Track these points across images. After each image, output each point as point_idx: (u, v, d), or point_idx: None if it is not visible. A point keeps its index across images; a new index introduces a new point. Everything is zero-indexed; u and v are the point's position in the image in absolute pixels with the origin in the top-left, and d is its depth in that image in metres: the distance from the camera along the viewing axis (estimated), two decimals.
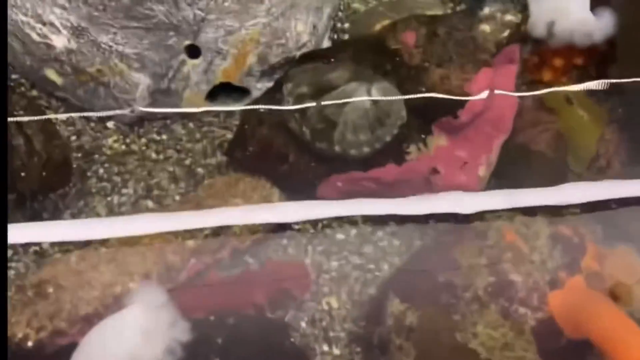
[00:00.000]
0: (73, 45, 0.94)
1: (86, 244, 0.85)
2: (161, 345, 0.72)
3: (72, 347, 0.76)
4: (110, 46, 0.94)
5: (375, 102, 0.85)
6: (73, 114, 0.96)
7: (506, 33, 0.93)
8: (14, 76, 0.98)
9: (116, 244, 0.84)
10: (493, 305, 0.78)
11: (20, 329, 0.77)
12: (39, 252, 0.89)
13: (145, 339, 0.72)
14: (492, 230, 0.83)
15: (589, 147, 0.89)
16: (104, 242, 0.84)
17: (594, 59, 0.96)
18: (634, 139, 0.91)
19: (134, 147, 0.97)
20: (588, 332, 0.75)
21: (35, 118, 0.90)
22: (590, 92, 0.95)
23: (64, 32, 0.94)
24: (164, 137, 0.98)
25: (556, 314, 0.77)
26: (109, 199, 0.93)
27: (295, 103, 0.89)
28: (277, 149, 0.91)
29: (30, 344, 0.75)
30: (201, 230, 0.86)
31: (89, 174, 0.94)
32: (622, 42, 0.94)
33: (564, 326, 0.77)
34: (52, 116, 0.94)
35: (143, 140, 0.97)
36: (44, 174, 0.86)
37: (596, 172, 0.88)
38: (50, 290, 0.80)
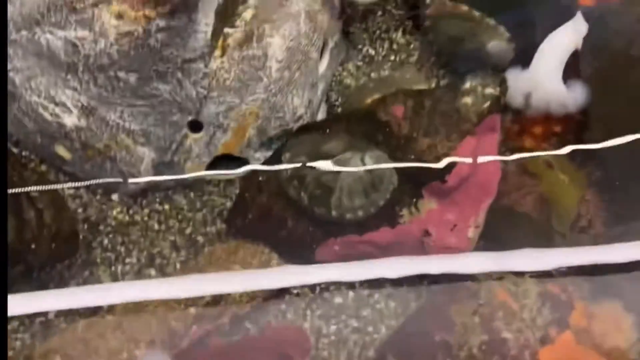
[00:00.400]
0: (83, 123, 1.05)
1: (93, 313, 0.93)
2: None
3: None
4: (118, 123, 1.05)
5: (369, 169, 0.96)
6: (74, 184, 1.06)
7: (487, 104, 1.05)
8: (24, 153, 1.08)
9: (121, 312, 0.92)
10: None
11: None
12: (45, 323, 0.96)
13: None
14: (484, 290, 0.90)
15: (571, 209, 0.99)
16: (109, 310, 0.91)
17: (570, 126, 1.08)
18: (612, 201, 1.01)
19: (137, 217, 1.06)
20: None
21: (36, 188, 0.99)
22: (571, 157, 1.06)
23: (75, 111, 1.05)
24: (166, 207, 1.07)
25: None
26: (113, 268, 1.01)
27: (293, 171, 1.00)
28: (276, 215, 1.01)
29: None
30: (202, 297, 0.94)
31: (94, 244, 1.03)
32: (594, 110, 1.06)
33: None
34: (52, 187, 1.03)
35: (146, 210, 1.06)
36: (53, 245, 0.94)
37: (579, 231, 0.97)
38: (58, 359, 0.86)
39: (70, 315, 0.95)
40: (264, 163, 1.06)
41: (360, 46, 1.21)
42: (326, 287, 0.99)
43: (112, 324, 0.90)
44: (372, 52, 1.21)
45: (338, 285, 0.99)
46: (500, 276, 0.91)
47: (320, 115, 1.17)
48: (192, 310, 0.92)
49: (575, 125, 1.08)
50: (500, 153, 1.06)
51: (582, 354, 0.84)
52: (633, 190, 0.99)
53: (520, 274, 0.90)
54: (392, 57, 1.20)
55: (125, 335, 0.89)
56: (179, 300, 0.91)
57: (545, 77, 1.08)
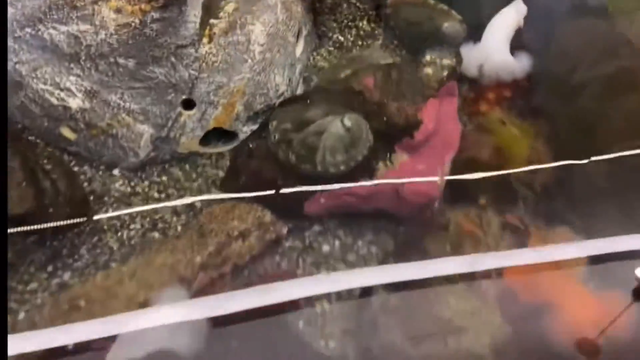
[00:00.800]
0: (87, 105, 1.24)
1: (105, 266, 1.10)
2: (186, 335, 0.95)
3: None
4: (119, 104, 1.24)
5: (347, 128, 1.17)
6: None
7: (445, 73, 1.29)
8: (30, 138, 1.25)
9: (134, 263, 1.09)
10: (461, 281, 1.04)
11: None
12: (61, 284, 1.12)
13: (172, 330, 0.94)
14: (452, 225, 1.11)
15: (523, 155, 1.22)
16: (123, 262, 1.09)
17: (519, 91, 1.33)
18: (557, 147, 1.25)
19: (138, 189, 1.24)
20: (540, 295, 1.02)
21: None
22: (520, 115, 1.30)
23: (79, 95, 1.24)
24: (164, 178, 1.26)
25: (512, 284, 1.04)
26: (119, 234, 1.19)
27: (280, 137, 1.20)
28: (267, 176, 1.20)
29: (70, 347, 0.96)
30: (206, 248, 1.11)
31: (101, 215, 1.20)
32: (537, 76, 1.32)
33: (520, 293, 1.03)
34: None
35: (146, 182, 1.25)
36: (68, 209, 1.11)
37: (530, 172, 1.20)
38: (82, 304, 1.02)
39: (84, 275, 1.12)
40: (251, 134, 1.28)
41: (330, 34, 1.46)
42: (315, 238, 1.19)
43: (127, 274, 1.07)
44: (341, 38, 1.46)
45: (325, 236, 1.19)
46: (466, 212, 1.12)
47: (299, 92, 1.39)
48: (198, 259, 1.10)
49: (522, 90, 1.33)
50: (460, 117, 1.31)
51: (540, 267, 1.05)
52: (575, 138, 1.23)
53: (483, 207, 1.11)
54: (360, 42, 1.45)
55: (140, 282, 1.06)
56: (184, 252, 1.10)
57: (494, 49, 1.34)
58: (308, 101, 1.24)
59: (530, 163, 1.21)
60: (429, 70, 1.30)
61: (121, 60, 1.24)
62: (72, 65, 1.25)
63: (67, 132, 1.27)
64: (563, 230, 1.12)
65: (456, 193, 1.17)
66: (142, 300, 1.04)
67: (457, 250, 1.08)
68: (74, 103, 1.25)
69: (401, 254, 1.13)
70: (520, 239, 1.11)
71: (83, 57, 1.25)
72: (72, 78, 1.25)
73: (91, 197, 1.21)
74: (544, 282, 1.03)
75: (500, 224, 1.12)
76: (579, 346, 0.96)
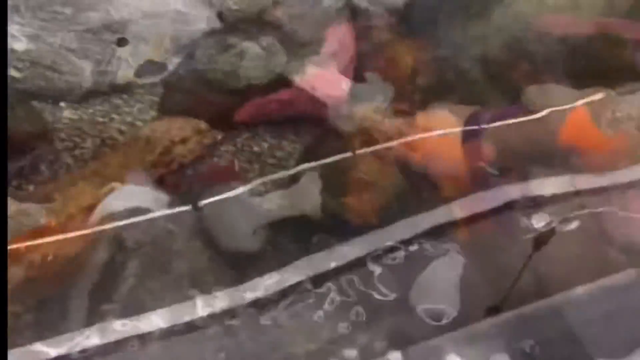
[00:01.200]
0: (32, 47, 1.54)
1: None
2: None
3: None
4: (61, 44, 1.56)
5: (263, 48, 1.55)
6: None
7: (341, 4, 1.72)
8: None
9: (94, 167, 1.40)
10: (370, 153, 1.45)
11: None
12: (29, 193, 1.41)
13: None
14: (357, 117, 1.53)
15: (409, 64, 1.67)
16: (84, 167, 1.40)
17: (403, 16, 1.78)
18: (436, 59, 1.72)
19: (85, 116, 1.56)
20: (427, 162, 1.45)
21: None
22: (405, 34, 1.74)
23: (23, 39, 1.54)
24: (106, 106, 1.58)
25: (408, 154, 1.47)
26: (74, 152, 1.49)
27: (207, 61, 1.57)
28: (199, 94, 1.56)
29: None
30: (154, 150, 1.45)
31: (54, 138, 1.50)
32: (413, 3, 1.78)
33: (411, 157, 1.46)
34: None
35: (90, 110, 1.57)
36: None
37: (413, 73, 1.65)
38: (57, 196, 1.32)
39: (48, 183, 1.42)
40: (179, 63, 1.63)
41: None
42: (246, 142, 1.56)
43: (89, 173, 1.39)
44: None
45: (255, 140, 1.56)
46: (367, 107, 1.54)
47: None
48: (149, 157, 1.43)
49: (405, 14, 1.78)
50: (357, 38, 1.73)
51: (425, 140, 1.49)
52: (446, 42, 1.70)
53: (380, 110, 1.54)
54: None
55: (102, 177, 1.38)
56: (136, 154, 1.42)
57: None
58: (226, 32, 1.62)
59: (414, 69, 1.66)
60: (327, 2, 1.72)
61: (59, 9, 1.57)
62: (13, 15, 1.56)
63: (14, 72, 1.56)
64: (441, 111, 1.57)
65: (358, 96, 1.59)
66: (108, 190, 1.36)
67: (363, 133, 1.50)
68: (19, 46, 1.55)
69: (320, 144, 1.52)
70: (408, 120, 1.54)
71: (23, 9, 1.56)
72: (16, 26, 1.56)
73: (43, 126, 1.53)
74: (428, 149, 1.47)
75: (392, 110, 1.55)
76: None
